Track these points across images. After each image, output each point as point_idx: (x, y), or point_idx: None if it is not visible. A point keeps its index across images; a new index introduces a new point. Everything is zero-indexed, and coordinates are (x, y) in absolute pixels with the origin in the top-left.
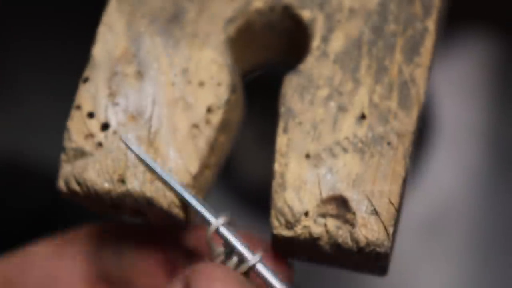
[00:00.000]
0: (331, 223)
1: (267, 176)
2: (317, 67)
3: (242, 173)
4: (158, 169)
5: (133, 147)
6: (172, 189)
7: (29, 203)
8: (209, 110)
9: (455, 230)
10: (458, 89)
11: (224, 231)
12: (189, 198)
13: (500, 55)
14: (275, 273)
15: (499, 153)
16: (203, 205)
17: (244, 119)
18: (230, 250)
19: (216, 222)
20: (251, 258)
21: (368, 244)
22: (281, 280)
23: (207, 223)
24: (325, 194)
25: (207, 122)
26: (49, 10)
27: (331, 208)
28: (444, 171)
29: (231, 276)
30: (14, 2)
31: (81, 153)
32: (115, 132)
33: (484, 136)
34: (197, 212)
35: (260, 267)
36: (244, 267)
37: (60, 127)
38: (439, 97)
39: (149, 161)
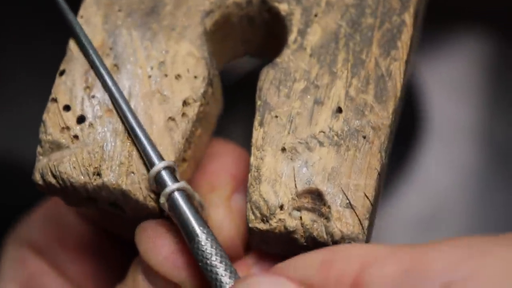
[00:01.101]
0: (306, 217)
1: None
2: (293, 60)
3: None
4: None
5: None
6: (121, 117)
7: (23, 202)
8: (185, 103)
9: (448, 229)
10: (450, 87)
11: (164, 175)
12: (138, 129)
13: (492, 54)
14: (191, 206)
15: (492, 151)
16: (151, 145)
17: (233, 116)
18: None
19: (159, 165)
20: (170, 185)
21: (343, 237)
22: (195, 212)
23: (150, 163)
24: (300, 188)
25: (183, 115)
26: (45, 12)
27: (306, 202)
28: (437, 169)
29: (161, 224)
30: (11, 3)
31: (57, 146)
32: (91, 125)
33: (477, 135)
34: (142, 149)
35: (177, 195)
36: (164, 195)
37: None
38: (432, 96)
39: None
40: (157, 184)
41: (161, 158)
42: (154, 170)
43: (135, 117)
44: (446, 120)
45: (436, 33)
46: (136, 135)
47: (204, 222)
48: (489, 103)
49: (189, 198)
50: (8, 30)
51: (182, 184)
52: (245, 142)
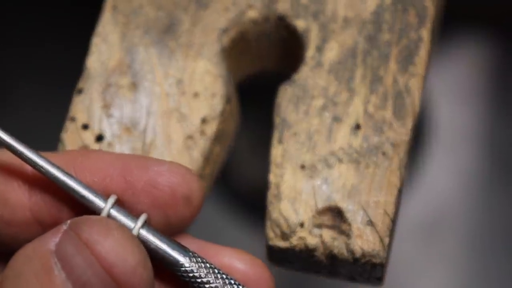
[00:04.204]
0: (327, 234)
1: (262, 183)
2: (311, 77)
3: (237, 179)
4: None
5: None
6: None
7: None
8: (203, 121)
9: (452, 234)
10: (454, 93)
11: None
12: (70, 181)
13: (496, 59)
14: (163, 236)
15: (495, 157)
16: (85, 186)
17: (239, 127)
18: None
19: (107, 204)
20: (134, 227)
21: (363, 255)
22: (171, 242)
23: (91, 206)
24: (320, 205)
25: (202, 133)
26: (45, 20)
27: (326, 219)
28: (440, 175)
29: (126, 230)
30: (13, 10)
31: None
32: (109, 144)
33: (480, 140)
34: (78, 194)
35: (144, 233)
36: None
37: (55, 134)
38: (435, 101)
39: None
40: None
41: (102, 197)
42: (105, 212)
43: (58, 167)
44: (450, 126)
45: (440, 38)
46: (64, 181)
47: (183, 247)
48: (493, 109)
49: (153, 228)
50: (10, 37)
51: (143, 218)
52: (249, 147)
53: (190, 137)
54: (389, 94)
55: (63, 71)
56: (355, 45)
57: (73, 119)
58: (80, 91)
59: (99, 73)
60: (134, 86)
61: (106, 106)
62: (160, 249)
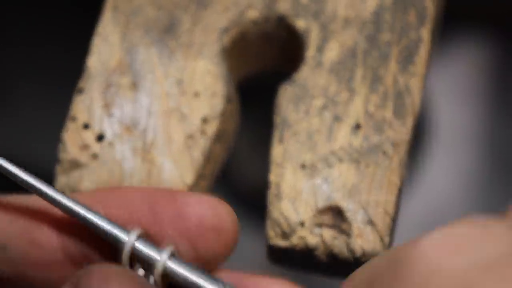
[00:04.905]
0: (327, 233)
1: (262, 183)
2: (312, 77)
3: (237, 179)
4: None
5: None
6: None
7: None
8: (204, 120)
9: None
10: (454, 93)
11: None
12: (93, 217)
13: (496, 59)
14: (192, 267)
15: (495, 157)
16: (108, 221)
17: (239, 127)
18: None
19: (130, 238)
20: (160, 258)
21: (364, 254)
22: (201, 273)
23: (115, 241)
24: (320, 204)
25: (203, 132)
26: (45, 21)
27: (327, 218)
28: (440, 175)
29: (127, 276)
30: (13, 10)
31: (76, 165)
32: (110, 143)
33: (480, 140)
34: (101, 231)
35: (171, 265)
36: (157, 272)
37: (55, 134)
38: (435, 101)
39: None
40: (135, 262)
41: (127, 232)
42: (128, 245)
43: (81, 204)
44: (450, 126)
45: (440, 38)
46: (87, 217)
47: (215, 278)
48: (493, 109)
49: (181, 259)
50: (10, 37)
51: (169, 249)
52: (249, 146)
53: (190, 136)
54: (389, 93)
55: (63, 71)
56: (355, 45)
57: (73, 119)
58: (80, 91)
59: (99, 72)
60: (134, 85)
61: (107, 106)
62: (189, 281)
